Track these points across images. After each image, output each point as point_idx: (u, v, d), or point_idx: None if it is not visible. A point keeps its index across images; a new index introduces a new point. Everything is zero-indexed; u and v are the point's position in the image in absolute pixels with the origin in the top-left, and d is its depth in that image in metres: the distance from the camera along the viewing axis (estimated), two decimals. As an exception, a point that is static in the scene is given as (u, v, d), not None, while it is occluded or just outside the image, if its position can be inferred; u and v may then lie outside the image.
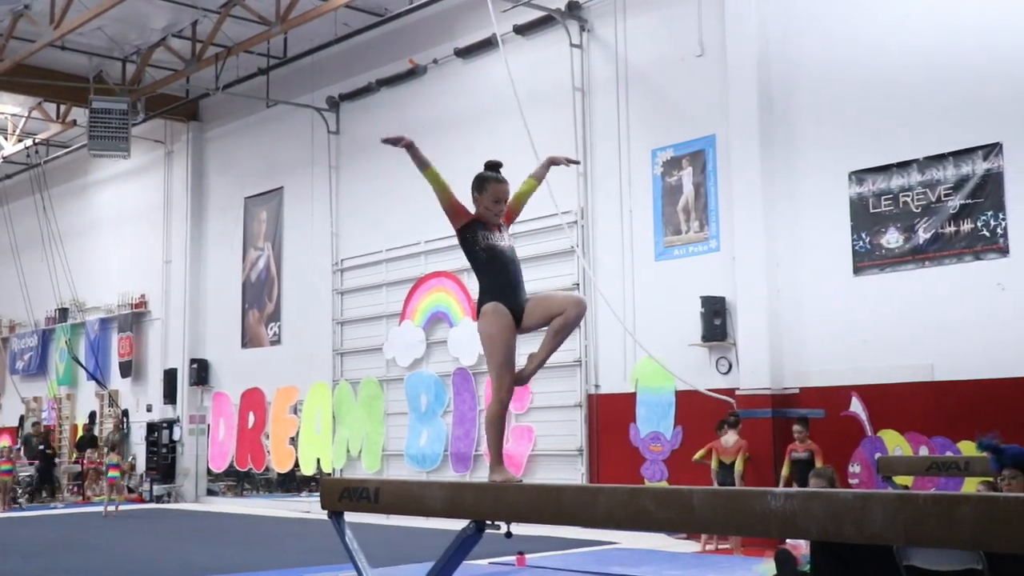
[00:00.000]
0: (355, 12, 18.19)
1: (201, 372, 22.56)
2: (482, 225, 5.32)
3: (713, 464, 12.78)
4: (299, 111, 20.26)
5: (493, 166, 5.49)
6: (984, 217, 11.78)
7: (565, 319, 5.25)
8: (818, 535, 3.93)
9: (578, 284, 15.45)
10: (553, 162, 5.75)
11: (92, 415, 25.40)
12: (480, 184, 5.42)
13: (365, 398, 18.78)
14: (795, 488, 4.06)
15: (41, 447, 23.73)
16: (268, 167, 21.54)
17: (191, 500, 22.43)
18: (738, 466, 12.60)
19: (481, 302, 5.30)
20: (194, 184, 23.33)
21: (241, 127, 22.32)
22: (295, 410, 20.32)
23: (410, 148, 5.39)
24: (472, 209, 5.39)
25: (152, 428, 22.97)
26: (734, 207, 13.57)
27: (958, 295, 11.90)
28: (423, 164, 5.38)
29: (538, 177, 5.68)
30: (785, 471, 12.34)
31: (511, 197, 5.48)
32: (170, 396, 22.99)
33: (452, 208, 5.33)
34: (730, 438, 12.78)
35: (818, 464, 11.88)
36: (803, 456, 12.22)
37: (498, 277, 5.27)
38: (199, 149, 23.48)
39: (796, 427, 12.45)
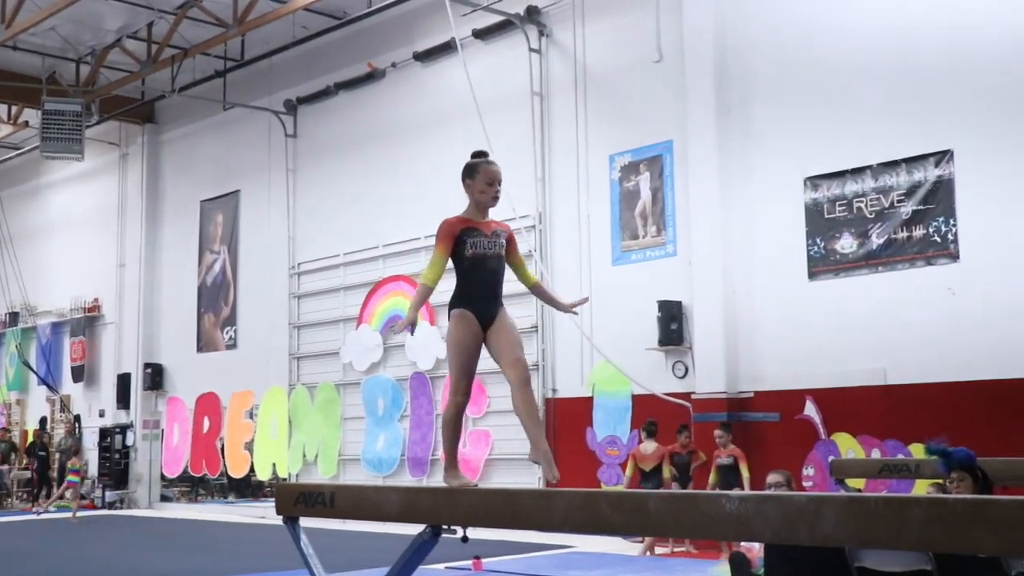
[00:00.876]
0: (313, 15, 18.11)
1: (155, 377, 22.35)
2: (471, 231, 5.26)
3: (628, 471, 12.86)
4: (256, 114, 20.17)
5: (480, 153, 5.45)
6: (936, 223, 11.93)
7: (515, 399, 5.28)
8: (772, 537, 3.98)
9: (535, 288, 15.45)
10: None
11: (43, 421, 25.10)
12: (470, 170, 5.36)
13: (322, 402, 18.71)
14: (749, 491, 4.10)
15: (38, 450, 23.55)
16: (225, 170, 21.41)
17: (144, 506, 22.23)
18: (665, 472, 12.65)
19: (451, 306, 5.32)
20: (149, 187, 23.13)
21: (197, 129, 22.17)
22: (251, 415, 20.20)
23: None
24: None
25: (105, 433, 22.75)
26: (691, 212, 13.65)
27: (910, 300, 12.04)
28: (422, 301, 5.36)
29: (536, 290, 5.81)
30: (712, 479, 12.39)
31: (520, 261, 5.50)
32: (123, 401, 22.74)
33: (445, 252, 5.26)
34: (648, 446, 12.83)
35: (743, 468, 11.98)
36: (727, 462, 12.26)
37: (473, 286, 5.26)
38: (154, 151, 23.28)
39: (717, 432, 12.42)
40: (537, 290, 5.75)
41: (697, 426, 13.17)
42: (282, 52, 19.55)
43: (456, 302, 5.28)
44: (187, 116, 22.18)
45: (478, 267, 5.25)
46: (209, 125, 21.73)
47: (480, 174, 5.30)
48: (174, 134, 22.98)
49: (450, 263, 5.29)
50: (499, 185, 5.34)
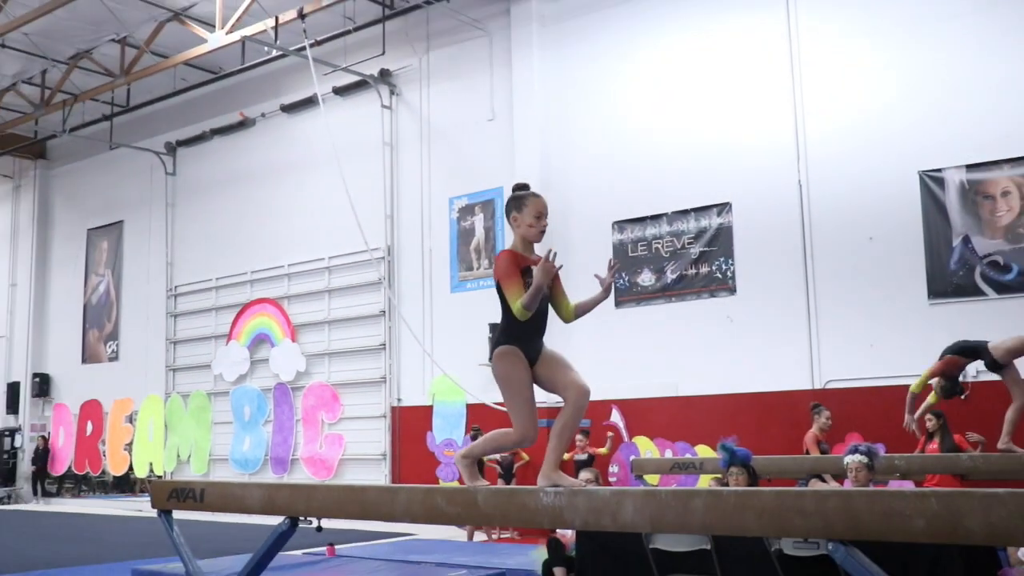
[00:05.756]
0: (192, 69, 17.73)
1: (43, 385, 21.46)
2: (528, 271, 4.43)
3: None
4: (139, 154, 19.58)
5: (523, 186, 4.59)
6: (718, 262, 12.36)
7: (565, 415, 4.30)
8: (582, 525, 4.06)
9: (384, 311, 15.41)
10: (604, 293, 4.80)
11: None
12: (519, 203, 4.48)
13: (194, 409, 18.21)
14: (562, 487, 4.16)
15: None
16: (110, 203, 20.73)
17: (30, 501, 21.19)
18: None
19: (499, 342, 4.42)
20: (40, 216, 22.22)
21: (86, 166, 21.40)
22: (130, 419, 19.53)
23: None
24: (510, 238, 4.47)
25: (-5, 436, 21.65)
26: (518, 248, 13.77)
27: (697, 325, 12.42)
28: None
29: (584, 309, 4.73)
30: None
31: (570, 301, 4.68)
32: (13, 407, 21.77)
33: (520, 280, 4.39)
34: None
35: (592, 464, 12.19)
36: (583, 457, 12.50)
37: (526, 325, 4.37)
38: (45, 184, 22.38)
39: (578, 435, 12.61)
40: (579, 311, 4.75)
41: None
42: (164, 100, 19.08)
43: (507, 339, 4.38)
44: (76, 154, 21.38)
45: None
46: (96, 162, 21.00)
47: (528, 207, 4.45)
48: (64, 169, 22.11)
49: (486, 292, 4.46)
50: (545, 219, 4.50)
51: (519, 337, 4.38)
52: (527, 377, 4.35)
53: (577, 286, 14.06)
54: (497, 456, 12.84)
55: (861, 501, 3.37)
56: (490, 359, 4.48)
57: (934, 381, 8.55)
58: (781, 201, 11.95)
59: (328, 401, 16.02)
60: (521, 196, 4.50)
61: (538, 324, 4.44)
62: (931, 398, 8.73)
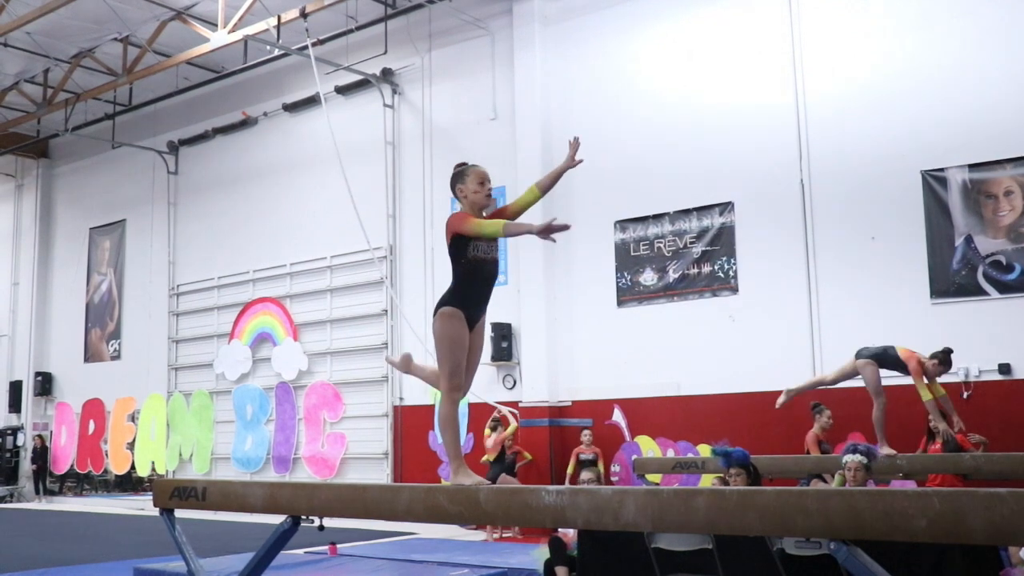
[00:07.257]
0: (195, 68, 17.74)
1: (45, 384, 21.47)
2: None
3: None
4: (142, 153, 19.58)
5: (462, 164, 4.81)
6: (720, 262, 12.35)
7: (455, 412, 4.88)
8: (583, 524, 4.05)
9: (387, 311, 15.41)
10: (564, 168, 4.79)
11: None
12: (460, 176, 4.69)
13: (196, 408, 18.21)
14: (564, 486, 4.16)
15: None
16: (112, 202, 20.74)
17: (32, 500, 21.20)
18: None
19: (444, 303, 4.64)
20: (42, 215, 22.23)
21: (88, 165, 21.41)
22: (132, 418, 19.55)
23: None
24: (460, 206, 4.66)
25: (-3, 435, 21.67)
26: (520, 248, 13.77)
27: (699, 325, 12.41)
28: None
29: (543, 187, 4.77)
30: (571, 469, 12.57)
31: (512, 203, 4.79)
32: (15, 406, 21.77)
33: (464, 228, 4.55)
34: (489, 441, 12.85)
35: (600, 463, 12.24)
36: (589, 457, 12.51)
37: (470, 289, 4.63)
38: (48, 183, 22.38)
39: (585, 432, 12.73)
40: (544, 185, 4.77)
41: (523, 430, 13.27)
42: (166, 99, 19.11)
43: (451, 300, 4.63)
44: (79, 153, 21.39)
45: (477, 271, 4.62)
46: (99, 161, 21.01)
47: (470, 176, 4.64)
48: (66, 168, 22.11)
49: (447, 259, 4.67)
50: (488, 185, 4.66)
51: (464, 301, 4.64)
52: (464, 340, 4.67)
53: (580, 284, 14.17)
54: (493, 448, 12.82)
55: (863, 500, 3.36)
56: (434, 314, 4.68)
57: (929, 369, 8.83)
58: (783, 200, 11.93)
59: (330, 400, 16.02)
60: (461, 170, 4.72)
61: (485, 292, 4.69)
62: (934, 390, 8.86)
